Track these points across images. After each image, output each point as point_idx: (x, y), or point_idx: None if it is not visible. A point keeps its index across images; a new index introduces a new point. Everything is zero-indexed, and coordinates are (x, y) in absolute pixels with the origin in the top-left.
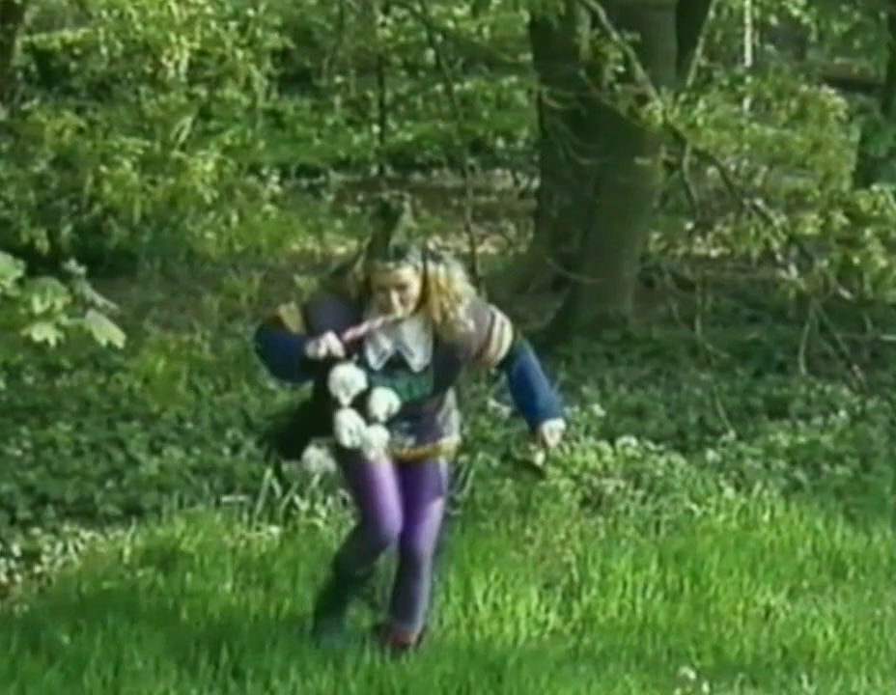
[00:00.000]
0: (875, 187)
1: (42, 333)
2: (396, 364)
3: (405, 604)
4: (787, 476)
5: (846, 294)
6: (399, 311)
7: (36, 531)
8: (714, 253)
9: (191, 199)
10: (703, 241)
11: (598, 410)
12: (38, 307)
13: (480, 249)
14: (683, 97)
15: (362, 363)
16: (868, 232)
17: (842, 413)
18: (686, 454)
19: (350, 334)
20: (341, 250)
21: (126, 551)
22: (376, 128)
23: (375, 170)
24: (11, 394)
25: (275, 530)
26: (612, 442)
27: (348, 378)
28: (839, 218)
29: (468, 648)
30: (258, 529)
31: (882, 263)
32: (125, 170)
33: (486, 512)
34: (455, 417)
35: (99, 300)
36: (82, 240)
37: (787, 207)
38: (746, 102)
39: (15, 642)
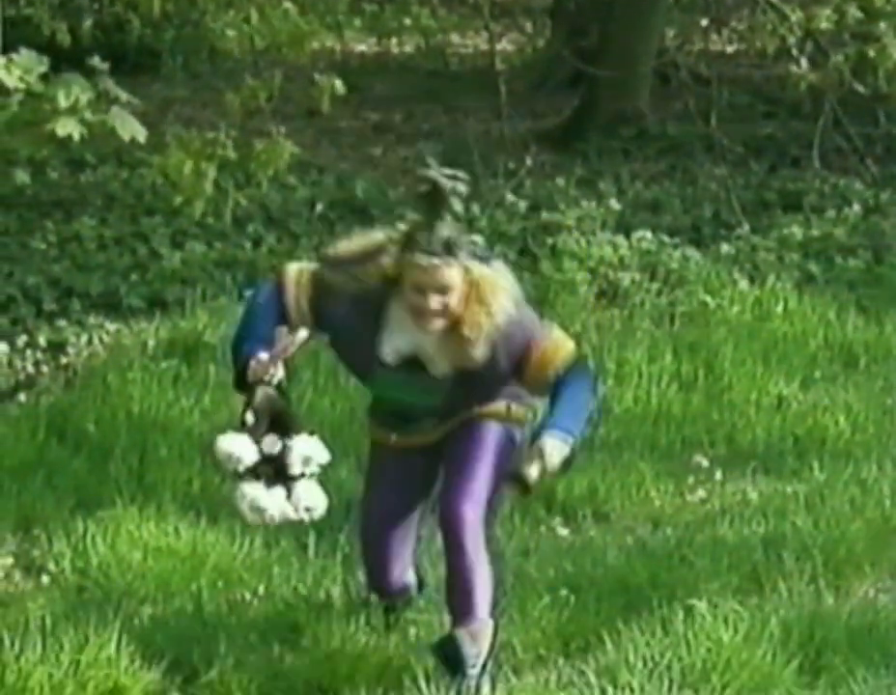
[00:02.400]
0: None
1: (67, 128)
2: (411, 365)
3: (456, 595)
4: (800, 268)
5: (860, 89)
6: (434, 322)
7: (62, 323)
8: (729, 49)
9: None
10: (718, 37)
11: (614, 205)
12: (62, 102)
13: (498, 46)
14: None
15: (370, 356)
16: (883, 25)
17: (855, 206)
18: (700, 247)
19: (274, 353)
20: (360, 48)
21: (150, 343)
22: None
23: None
24: (36, 188)
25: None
26: (628, 236)
27: (235, 452)
28: (854, 12)
29: None
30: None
31: None
32: None
33: None
34: (515, 386)
35: (123, 96)
36: (105, 37)
37: (802, 1)
38: None
39: (42, 431)
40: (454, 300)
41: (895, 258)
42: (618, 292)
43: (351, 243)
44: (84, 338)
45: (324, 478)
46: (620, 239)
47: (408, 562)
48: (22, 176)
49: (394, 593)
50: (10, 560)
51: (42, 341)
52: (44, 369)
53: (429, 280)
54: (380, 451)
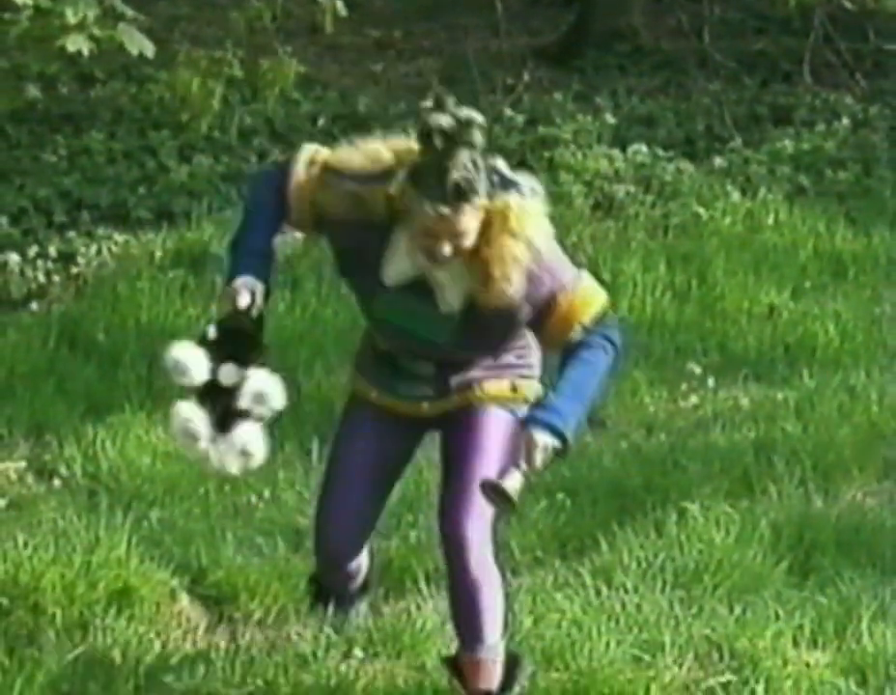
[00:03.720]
0: None
1: (76, 44)
2: (417, 290)
3: (461, 618)
4: (791, 181)
5: (849, 4)
6: (445, 262)
7: (72, 234)
8: None
9: None
10: None
11: (610, 119)
12: (70, 18)
13: None
14: None
15: (372, 276)
16: None
17: (845, 120)
18: (693, 160)
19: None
20: None
21: (158, 253)
22: None
23: None
24: (46, 103)
25: (299, 234)
26: (623, 149)
27: (184, 362)
28: None
29: None
30: (283, 232)
31: None
32: None
33: None
34: (521, 350)
35: (129, 12)
36: None
37: None
38: None
39: (54, 339)
40: (468, 241)
41: (883, 170)
42: (613, 204)
43: (354, 156)
44: (94, 248)
45: (271, 428)
46: (615, 153)
47: (364, 543)
48: (33, 91)
49: (343, 572)
50: (22, 464)
51: (52, 251)
52: (55, 278)
53: (437, 226)
54: (359, 407)
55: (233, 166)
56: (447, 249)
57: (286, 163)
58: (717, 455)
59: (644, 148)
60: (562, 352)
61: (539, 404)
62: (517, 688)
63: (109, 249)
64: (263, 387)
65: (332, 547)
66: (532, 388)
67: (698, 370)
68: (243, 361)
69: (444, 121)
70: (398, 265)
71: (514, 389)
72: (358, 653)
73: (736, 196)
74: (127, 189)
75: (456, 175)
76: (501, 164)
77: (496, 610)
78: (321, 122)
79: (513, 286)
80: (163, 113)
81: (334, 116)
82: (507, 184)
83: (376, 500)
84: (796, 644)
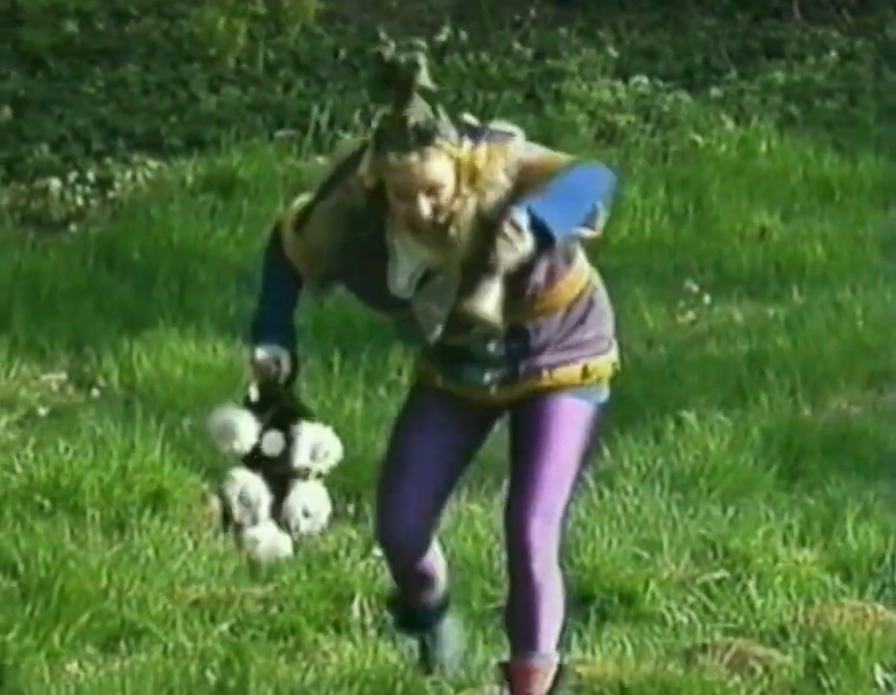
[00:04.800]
0: None
1: None
2: (432, 286)
3: (517, 623)
4: (782, 110)
5: None
6: (431, 224)
7: (108, 161)
8: None
9: None
10: None
11: (612, 52)
12: None
13: None
14: None
15: (383, 291)
16: None
17: (832, 53)
18: (691, 91)
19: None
20: None
21: (189, 179)
22: None
23: None
24: (84, 38)
25: (322, 160)
26: (625, 81)
27: (232, 427)
28: None
29: None
30: (306, 159)
31: None
32: None
33: None
34: (598, 316)
35: None
36: None
37: None
38: None
39: (92, 259)
40: (445, 196)
41: (868, 100)
42: (615, 133)
43: (324, 171)
44: (129, 174)
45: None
46: (618, 84)
47: (429, 537)
48: (71, 26)
49: (414, 573)
50: (63, 376)
51: (90, 177)
52: (93, 202)
53: (410, 180)
54: (424, 392)
55: (259, 97)
56: (426, 208)
57: (275, 231)
58: (713, 367)
59: (645, 79)
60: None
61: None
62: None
63: (143, 175)
64: (317, 440)
65: (396, 541)
66: (608, 363)
67: (695, 288)
68: (286, 427)
69: (390, 54)
70: (404, 269)
71: (586, 373)
72: (377, 552)
73: (730, 125)
74: (160, 119)
75: (414, 119)
76: (469, 118)
77: (555, 620)
78: (342, 54)
79: (498, 183)
80: (193, 47)
81: (354, 49)
82: (474, 133)
83: (439, 492)
84: (785, 543)
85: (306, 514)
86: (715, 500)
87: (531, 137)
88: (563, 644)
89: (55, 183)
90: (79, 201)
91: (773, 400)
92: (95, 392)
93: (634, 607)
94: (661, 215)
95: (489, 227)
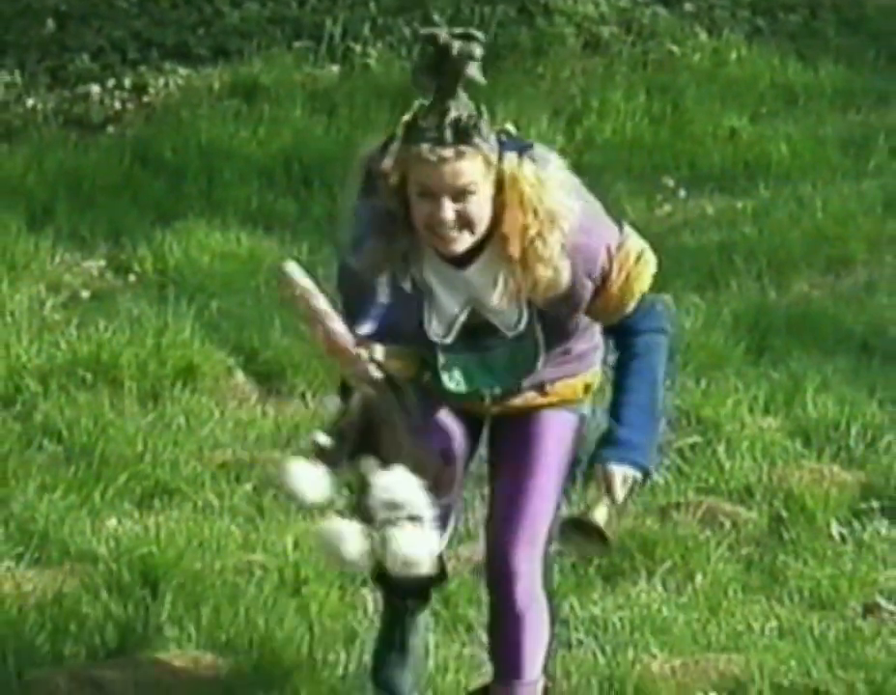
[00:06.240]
0: None
1: None
2: (478, 332)
3: (500, 650)
4: (750, 22)
5: None
6: (453, 241)
7: (142, 69)
8: None
9: None
10: None
11: None
12: None
13: None
14: None
15: (423, 343)
16: None
17: None
18: (668, 5)
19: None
20: None
21: (216, 85)
22: None
23: None
24: None
25: (335, 68)
26: None
27: (298, 490)
28: None
29: None
30: (321, 68)
31: None
32: None
33: (505, 52)
34: (589, 331)
35: None
36: None
37: None
38: None
39: (128, 158)
40: (475, 207)
41: (828, 14)
42: (600, 44)
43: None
44: (161, 81)
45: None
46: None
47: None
48: None
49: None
50: (103, 262)
51: (127, 83)
52: (129, 107)
53: (437, 178)
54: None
55: (277, 11)
56: (449, 212)
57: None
58: (687, 254)
59: None
60: (615, 340)
61: (610, 438)
62: None
63: (174, 82)
64: (391, 494)
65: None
66: (597, 373)
67: (671, 183)
68: (374, 450)
69: (444, 38)
70: (442, 308)
71: (586, 388)
72: None
73: (703, 36)
74: (189, 31)
75: (456, 113)
76: (511, 128)
77: (540, 646)
78: None
79: (560, 272)
80: None
81: None
82: (519, 148)
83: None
84: (751, 411)
85: (406, 564)
86: (689, 373)
87: (524, 48)
88: (548, 665)
89: (95, 89)
90: (117, 105)
91: (742, 284)
92: (131, 277)
93: None
94: (642, 118)
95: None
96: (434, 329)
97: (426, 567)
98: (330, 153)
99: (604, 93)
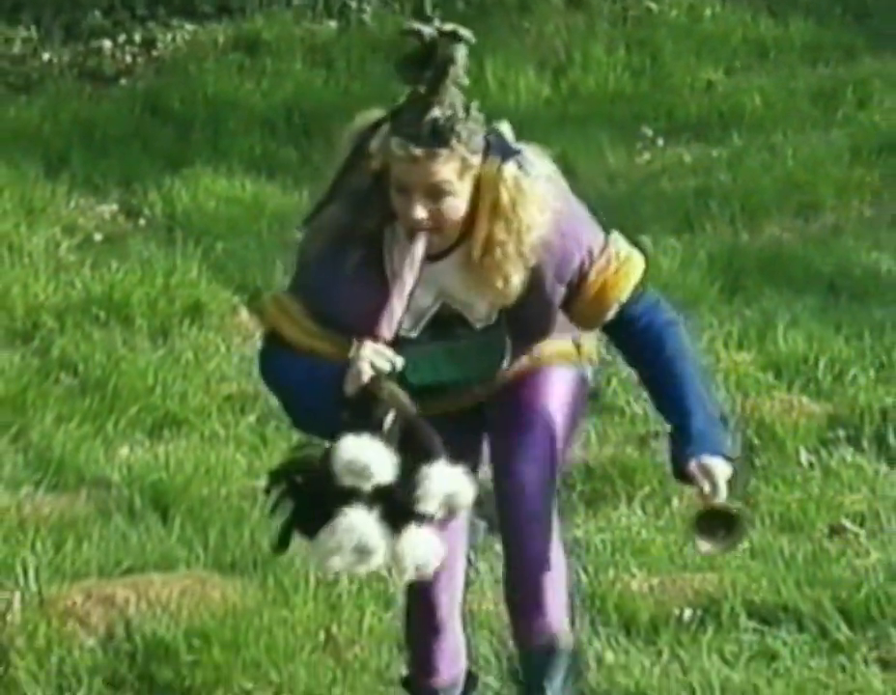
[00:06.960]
0: None
1: None
2: (447, 323)
3: (520, 593)
4: None
5: None
6: (422, 236)
7: (151, 24)
8: None
9: None
10: None
11: None
12: None
13: None
14: None
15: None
16: None
17: None
18: None
19: (388, 320)
20: None
21: (221, 40)
22: None
23: None
24: None
25: (333, 24)
26: None
27: (369, 464)
28: None
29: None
30: (320, 23)
31: None
32: None
33: (493, 9)
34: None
35: None
36: None
37: None
38: None
39: (139, 108)
40: (450, 208)
41: None
42: (582, 1)
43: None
44: (169, 36)
45: None
46: None
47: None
48: None
49: (434, 624)
50: (115, 207)
51: (137, 38)
52: (139, 60)
53: (409, 175)
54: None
55: None
56: (420, 210)
57: (268, 328)
58: (665, 200)
59: None
60: (616, 341)
61: (684, 436)
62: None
63: (182, 37)
64: (450, 487)
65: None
66: (595, 346)
67: (650, 132)
68: (413, 453)
69: (442, 43)
70: (412, 301)
71: (578, 347)
72: None
73: None
74: None
75: (437, 112)
76: (506, 129)
77: (561, 590)
78: None
79: (509, 279)
80: None
81: None
82: (506, 151)
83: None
84: (726, 346)
85: (416, 568)
86: None
87: (510, 4)
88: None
89: (107, 44)
90: (127, 59)
91: (717, 227)
92: (141, 221)
93: (598, 401)
94: (622, 71)
95: (534, 287)
96: (403, 321)
97: (434, 565)
98: (329, 104)
99: (587, 47)
